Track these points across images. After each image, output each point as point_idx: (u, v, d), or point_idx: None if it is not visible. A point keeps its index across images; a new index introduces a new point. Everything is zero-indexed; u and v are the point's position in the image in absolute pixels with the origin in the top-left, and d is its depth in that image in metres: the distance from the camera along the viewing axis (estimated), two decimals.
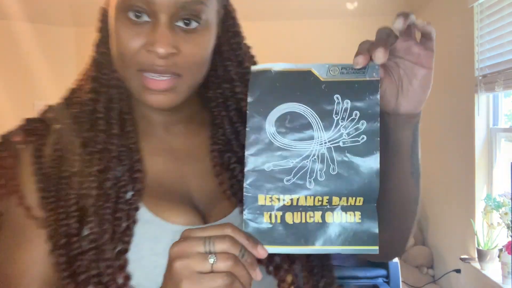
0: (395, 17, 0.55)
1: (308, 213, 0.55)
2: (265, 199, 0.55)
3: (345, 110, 0.56)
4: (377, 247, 0.55)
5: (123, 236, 0.62)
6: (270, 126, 0.56)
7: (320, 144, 0.56)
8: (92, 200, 0.62)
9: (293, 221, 0.55)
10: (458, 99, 3.00)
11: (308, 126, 0.56)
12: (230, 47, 0.73)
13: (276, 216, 0.55)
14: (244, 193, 0.56)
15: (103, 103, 0.68)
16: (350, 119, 0.56)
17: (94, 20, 0.72)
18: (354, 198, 0.55)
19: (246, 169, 0.56)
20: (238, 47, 0.73)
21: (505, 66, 2.47)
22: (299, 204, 0.56)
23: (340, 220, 0.55)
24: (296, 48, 3.76)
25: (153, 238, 0.63)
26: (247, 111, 0.57)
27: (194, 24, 0.63)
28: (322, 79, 0.57)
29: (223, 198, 0.69)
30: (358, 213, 0.56)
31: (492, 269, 2.57)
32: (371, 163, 0.55)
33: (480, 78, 2.69)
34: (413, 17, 0.56)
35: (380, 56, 0.54)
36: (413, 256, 3.40)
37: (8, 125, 0.70)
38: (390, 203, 0.67)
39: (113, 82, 0.69)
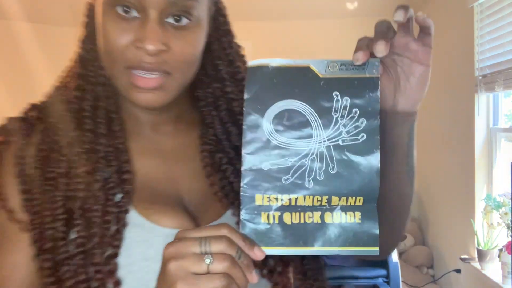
0: (396, 10, 0.54)
1: (307, 214, 0.54)
2: (262, 199, 0.54)
3: (345, 107, 0.55)
4: (377, 248, 0.53)
5: (112, 240, 0.60)
6: (267, 123, 0.55)
7: (319, 143, 0.54)
8: (80, 202, 0.60)
9: (291, 221, 0.54)
10: (458, 99, 3.00)
11: (307, 124, 0.55)
12: (221, 45, 0.71)
13: (274, 217, 0.54)
14: (241, 193, 0.54)
15: (90, 101, 0.66)
16: (349, 116, 0.55)
17: None
18: (354, 198, 0.54)
19: (243, 168, 0.54)
20: (229, 45, 0.72)
21: (505, 66, 2.47)
22: (298, 204, 0.54)
23: (340, 220, 0.54)
24: (296, 48, 3.75)
25: (143, 242, 0.61)
26: (244, 108, 0.55)
27: (184, 21, 0.61)
28: (320, 76, 0.55)
29: (215, 200, 0.67)
30: (358, 213, 0.54)
31: (492, 269, 2.56)
32: (371, 162, 0.54)
33: (480, 78, 2.69)
34: (412, 10, 0.55)
35: (381, 49, 0.53)
36: (413, 256, 3.39)
37: None
38: (386, 202, 0.66)
39: (100, 80, 0.67)
